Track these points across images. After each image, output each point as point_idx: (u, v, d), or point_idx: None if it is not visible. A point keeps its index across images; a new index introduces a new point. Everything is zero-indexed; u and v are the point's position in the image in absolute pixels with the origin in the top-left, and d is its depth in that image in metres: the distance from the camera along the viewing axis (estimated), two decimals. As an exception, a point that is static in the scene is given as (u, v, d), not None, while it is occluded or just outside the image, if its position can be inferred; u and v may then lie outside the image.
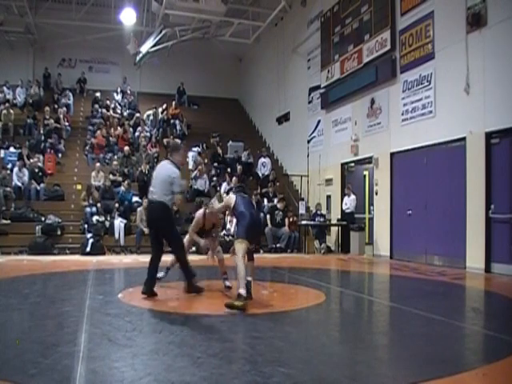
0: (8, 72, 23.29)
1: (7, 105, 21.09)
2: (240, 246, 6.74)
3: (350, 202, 15.85)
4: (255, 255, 7.45)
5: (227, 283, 8.00)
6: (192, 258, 7.43)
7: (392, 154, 14.15)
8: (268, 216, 16.18)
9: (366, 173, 17.40)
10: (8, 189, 16.04)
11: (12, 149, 18.59)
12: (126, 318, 5.99)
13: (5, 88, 22.54)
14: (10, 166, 17.34)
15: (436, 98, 12.44)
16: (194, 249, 9.72)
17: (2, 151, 18.62)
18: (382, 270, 12.36)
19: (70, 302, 7.11)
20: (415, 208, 13.13)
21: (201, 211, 8.13)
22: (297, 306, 7.20)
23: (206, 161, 19.70)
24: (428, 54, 12.63)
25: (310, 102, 19.09)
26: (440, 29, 12.27)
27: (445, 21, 12.13)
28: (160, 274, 7.70)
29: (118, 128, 20.96)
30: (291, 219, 16.24)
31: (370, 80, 15.02)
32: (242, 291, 6.42)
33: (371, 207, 15.73)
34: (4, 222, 15.28)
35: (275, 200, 16.90)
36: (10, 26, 21.56)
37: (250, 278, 6.98)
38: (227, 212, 8.09)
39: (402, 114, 13.62)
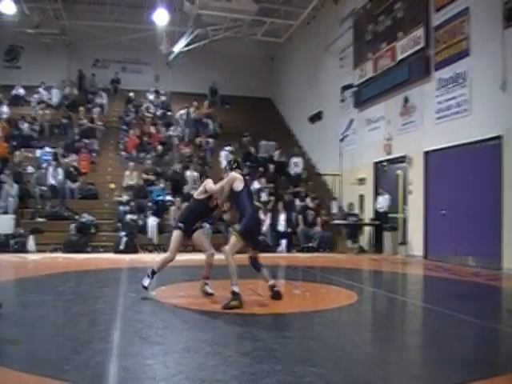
0: (44, 73, 23.68)
1: (43, 105, 21.48)
2: (236, 244, 6.61)
3: (383, 202, 15.70)
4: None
5: (208, 289, 7.40)
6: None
7: (426, 153, 13.97)
8: (300, 216, 16.12)
9: (399, 172, 17.18)
10: (43, 188, 16.34)
11: (47, 148, 18.89)
12: (158, 315, 6.05)
13: (41, 89, 22.93)
14: (45, 165, 17.64)
15: (471, 96, 12.24)
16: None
17: (38, 151, 18.95)
18: (415, 271, 12.22)
19: (103, 299, 7.20)
20: (449, 208, 12.94)
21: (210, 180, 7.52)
22: (329, 306, 7.17)
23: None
24: (463, 51, 12.43)
25: (342, 101, 18.97)
26: (475, 25, 12.08)
27: (480, 17, 11.94)
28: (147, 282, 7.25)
29: (151, 127, 21.12)
30: (324, 219, 16.16)
31: (403, 78, 14.86)
32: (236, 288, 6.38)
33: (404, 207, 15.56)
34: (39, 220, 15.58)
35: (307, 200, 16.83)
36: (46, 28, 21.91)
37: (272, 282, 7.05)
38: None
39: (436, 113, 13.44)
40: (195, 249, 7.68)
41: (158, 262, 7.45)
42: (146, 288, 7.17)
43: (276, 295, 6.99)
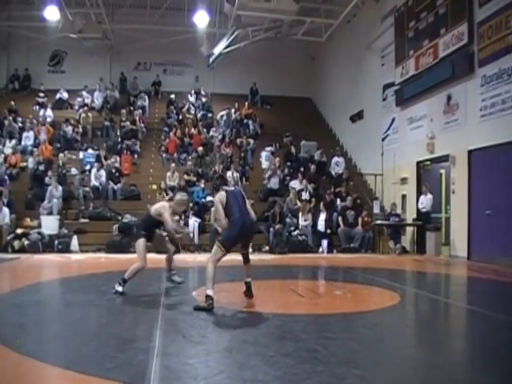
0: (87, 77, 24.19)
1: (86, 108, 21.87)
2: (218, 253, 6.63)
3: (426, 201, 15.46)
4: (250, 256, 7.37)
5: (178, 279, 8.32)
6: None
7: (470, 152, 13.68)
8: (341, 216, 16.01)
9: (442, 171, 16.92)
10: (87, 189, 16.65)
11: (90, 150, 19.26)
12: (200, 315, 6.07)
13: (83, 92, 23.38)
14: (88, 167, 17.99)
15: (517, 93, 11.96)
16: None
17: (81, 153, 19.33)
18: (459, 272, 11.99)
19: (146, 298, 7.28)
20: (495, 208, 12.64)
21: (166, 204, 7.85)
22: (371, 308, 7.09)
23: (278, 160, 19.64)
24: (509, 46, 12.10)
25: (384, 100, 18.77)
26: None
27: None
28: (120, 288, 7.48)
29: (192, 129, 21.27)
30: (365, 219, 16.01)
31: (446, 75, 14.60)
32: (210, 292, 6.38)
33: (448, 207, 15.29)
34: (83, 220, 15.88)
35: (348, 199, 16.68)
36: (89, 32, 22.32)
37: (249, 279, 7.06)
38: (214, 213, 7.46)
39: (481, 110, 13.15)
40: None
41: (130, 270, 7.59)
42: (121, 293, 7.37)
43: (248, 292, 7.08)
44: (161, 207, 7.66)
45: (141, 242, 7.67)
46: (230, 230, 6.79)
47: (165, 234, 8.18)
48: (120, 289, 7.39)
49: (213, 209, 7.23)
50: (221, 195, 7.00)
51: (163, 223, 7.74)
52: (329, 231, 15.82)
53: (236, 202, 6.95)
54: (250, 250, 7.19)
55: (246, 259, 7.15)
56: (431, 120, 15.56)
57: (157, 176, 18.48)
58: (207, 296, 6.36)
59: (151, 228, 7.84)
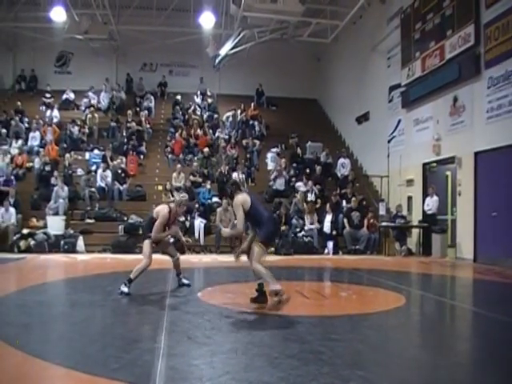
0: (93, 78, 24.28)
1: (92, 109, 21.93)
2: (260, 252, 6.56)
3: (432, 203, 15.42)
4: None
5: (185, 281, 8.24)
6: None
7: (476, 154, 13.63)
8: (346, 218, 15.98)
9: (448, 173, 16.87)
10: (92, 189, 16.70)
11: (96, 151, 19.33)
12: (205, 316, 6.07)
13: (90, 93, 23.45)
14: (94, 167, 18.06)
15: (524, 94, 11.92)
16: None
17: (87, 153, 19.40)
18: (465, 274, 11.96)
19: (151, 299, 7.29)
20: (501, 210, 12.59)
21: (165, 209, 7.70)
22: (376, 309, 7.08)
23: (284, 161, 19.63)
24: (515, 48, 12.10)
25: (390, 101, 18.73)
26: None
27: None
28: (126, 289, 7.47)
29: (198, 130, 21.30)
30: (371, 221, 15.98)
31: (452, 77, 14.56)
32: (277, 286, 6.41)
33: (454, 208, 15.25)
34: (89, 221, 15.92)
35: (354, 201, 16.65)
36: (95, 33, 22.36)
37: (261, 281, 6.85)
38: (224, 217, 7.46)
39: (487, 112, 13.11)
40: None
41: (136, 270, 7.59)
42: (127, 294, 7.36)
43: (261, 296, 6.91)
44: (159, 211, 7.69)
45: (146, 242, 7.76)
46: (265, 228, 6.65)
47: (171, 239, 8.19)
48: (125, 289, 7.37)
49: (219, 209, 7.15)
50: (244, 199, 6.71)
51: (168, 225, 7.80)
52: (334, 233, 15.81)
53: (259, 203, 6.96)
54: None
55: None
56: (437, 122, 15.52)
57: (162, 177, 18.52)
58: (273, 291, 6.40)
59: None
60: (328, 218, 16.02)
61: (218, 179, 17.78)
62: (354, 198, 16.61)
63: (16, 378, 3.87)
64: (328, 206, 16.37)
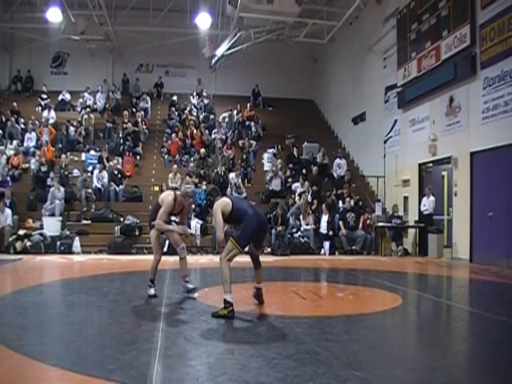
0: (89, 78, 24.32)
1: (88, 110, 21.93)
2: (233, 251, 6.23)
3: (428, 204, 15.45)
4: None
5: (189, 286, 7.63)
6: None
7: (472, 154, 13.66)
8: (343, 218, 15.98)
9: (444, 173, 16.93)
10: (89, 190, 16.66)
11: (92, 152, 19.33)
12: (201, 317, 6.07)
13: (86, 94, 23.43)
14: (90, 168, 18.03)
15: (519, 95, 11.94)
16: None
17: (83, 154, 19.39)
18: (461, 274, 11.98)
19: (148, 300, 7.27)
20: (497, 210, 12.61)
21: (169, 196, 7.35)
22: (372, 310, 7.08)
23: (280, 161, 19.64)
24: (511, 48, 12.10)
25: (386, 102, 18.77)
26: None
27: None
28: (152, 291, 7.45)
29: (195, 130, 21.28)
30: (367, 221, 16.00)
31: (448, 77, 14.59)
32: (228, 297, 6.09)
33: (450, 209, 15.27)
34: (85, 222, 15.89)
35: (350, 202, 16.64)
36: (91, 34, 22.34)
37: (260, 285, 6.80)
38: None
39: (483, 112, 13.13)
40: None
41: (151, 269, 7.59)
42: (154, 296, 7.35)
43: (259, 298, 6.84)
44: (163, 198, 7.41)
45: (152, 234, 7.61)
46: (245, 226, 6.35)
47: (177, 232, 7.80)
48: (152, 291, 7.41)
49: (217, 215, 6.86)
50: (223, 202, 6.46)
51: (175, 213, 7.66)
52: (331, 233, 15.81)
53: (243, 202, 6.83)
54: None
55: (258, 263, 6.82)
56: (433, 122, 15.55)
57: (159, 178, 18.51)
58: (226, 301, 6.08)
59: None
60: (324, 218, 16.02)
61: (214, 180, 17.77)
62: (347, 199, 16.58)
63: (13, 379, 3.86)
64: (324, 206, 16.37)
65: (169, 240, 8.13)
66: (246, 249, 6.62)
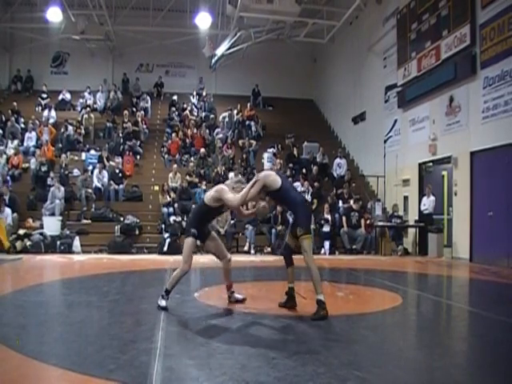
0: (89, 78, 24.30)
1: (88, 109, 21.92)
2: (309, 243, 6.22)
3: (428, 203, 15.45)
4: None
5: (238, 296, 7.00)
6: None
7: (472, 154, 13.66)
8: (344, 218, 15.98)
9: (444, 173, 16.92)
10: (89, 190, 16.64)
11: (92, 151, 19.31)
12: (202, 316, 6.07)
13: (86, 93, 23.43)
14: (90, 168, 17.99)
15: (520, 94, 11.93)
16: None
17: (84, 154, 19.38)
18: (462, 274, 11.98)
19: (148, 299, 7.25)
20: (497, 209, 12.61)
21: (224, 187, 6.55)
22: (373, 309, 7.09)
23: (280, 161, 19.64)
24: (511, 48, 12.11)
25: (386, 101, 18.77)
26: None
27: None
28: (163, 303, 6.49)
29: (195, 130, 21.29)
30: (368, 221, 15.99)
31: (448, 77, 14.59)
32: (323, 297, 6.08)
33: (450, 208, 15.27)
34: (85, 221, 15.88)
35: (351, 201, 16.66)
36: (91, 34, 22.37)
37: (292, 285, 6.75)
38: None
39: (483, 112, 13.13)
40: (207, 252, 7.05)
41: (172, 278, 6.61)
42: (164, 308, 6.35)
43: (292, 302, 6.71)
44: (219, 190, 6.49)
45: (189, 241, 6.64)
46: (300, 212, 6.28)
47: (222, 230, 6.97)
48: (163, 303, 6.39)
49: (232, 196, 6.18)
50: (270, 175, 6.19)
51: (219, 213, 6.99)
52: (332, 232, 15.80)
53: (290, 184, 6.60)
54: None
55: (291, 261, 6.80)
56: (433, 122, 15.55)
57: (159, 177, 18.50)
58: (321, 302, 6.00)
59: (204, 222, 6.78)
60: (326, 217, 16.02)
61: (214, 179, 17.76)
62: (352, 199, 16.53)
63: (13, 379, 3.86)
64: (325, 206, 16.36)
65: (209, 251, 7.15)
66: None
